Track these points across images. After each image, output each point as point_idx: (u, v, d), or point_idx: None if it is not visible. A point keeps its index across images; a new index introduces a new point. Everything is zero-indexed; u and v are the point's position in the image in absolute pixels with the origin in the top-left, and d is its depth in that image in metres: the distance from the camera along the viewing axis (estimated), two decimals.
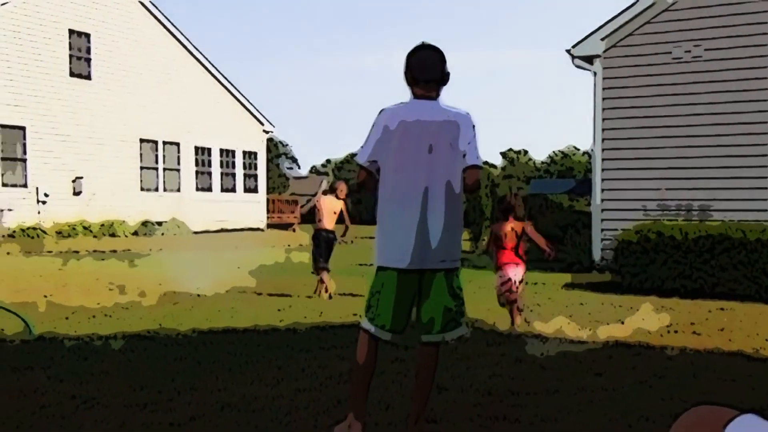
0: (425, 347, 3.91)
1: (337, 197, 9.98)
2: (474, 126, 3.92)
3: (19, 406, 4.39)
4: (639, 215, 12.85)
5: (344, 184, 10.38)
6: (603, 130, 13.81)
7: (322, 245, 9.78)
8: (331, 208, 9.89)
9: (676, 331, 7.32)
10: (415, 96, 3.93)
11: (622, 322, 7.79)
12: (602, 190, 13.88)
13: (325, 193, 10.27)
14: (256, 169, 31.13)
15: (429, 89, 3.91)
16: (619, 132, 13.68)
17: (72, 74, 24.19)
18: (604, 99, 13.78)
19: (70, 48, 24.16)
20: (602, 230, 13.80)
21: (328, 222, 9.84)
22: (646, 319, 8.02)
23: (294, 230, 32.04)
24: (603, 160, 13.85)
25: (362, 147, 3.94)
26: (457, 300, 3.91)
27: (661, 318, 8.10)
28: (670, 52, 13.17)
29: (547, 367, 5.65)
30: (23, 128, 22.76)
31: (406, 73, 3.96)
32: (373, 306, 3.88)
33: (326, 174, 79.64)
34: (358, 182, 4.04)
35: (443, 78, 3.94)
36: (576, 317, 8.13)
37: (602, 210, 13.88)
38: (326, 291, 9.73)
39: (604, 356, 6.08)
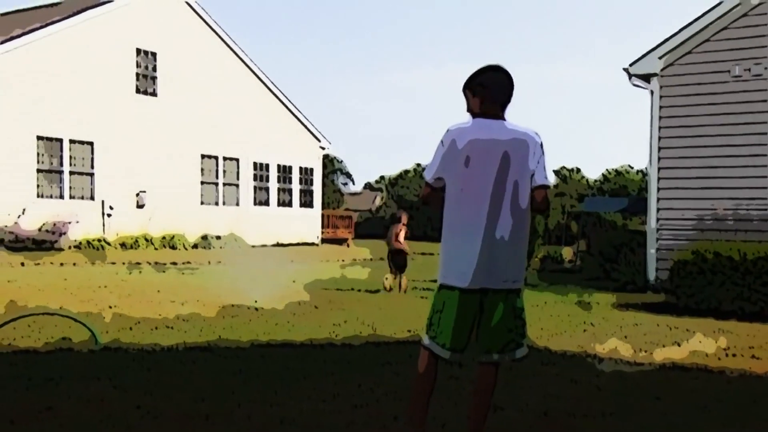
0: (485, 367, 3.93)
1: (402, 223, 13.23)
2: (542, 144, 3.94)
3: (86, 415, 4.55)
4: (695, 235, 12.67)
5: (405, 213, 13.59)
6: (659, 148, 13.67)
7: (393, 259, 13.07)
8: (396, 233, 13.10)
9: (734, 355, 7.21)
10: (483, 115, 3.95)
11: (679, 344, 7.71)
12: (658, 210, 13.72)
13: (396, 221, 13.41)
14: (311, 184, 31.53)
15: (497, 109, 3.96)
16: (676, 151, 13.52)
17: (138, 91, 24.93)
18: (661, 117, 13.65)
19: (137, 66, 24.93)
20: (657, 250, 13.63)
21: (397, 243, 13.05)
22: (703, 341, 7.92)
23: (348, 245, 32.26)
24: (659, 179, 13.70)
25: (429, 164, 3.98)
26: (519, 321, 3.92)
27: (719, 341, 7.98)
28: (729, 71, 12.99)
29: (602, 388, 5.62)
30: (91, 143, 23.55)
31: (475, 91, 3.98)
32: (434, 324, 3.90)
33: (380, 190, 79.89)
34: (423, 199, 4.06)
35: (510, 100, 4.01)
36: (631, 338, 8.06)
37: (657, 229, 13.71)
38: (400, 287, 12.79)
39: (661, 379, 6.03)
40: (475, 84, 3.99)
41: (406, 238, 13.23)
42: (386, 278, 12.80)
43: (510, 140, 3.87)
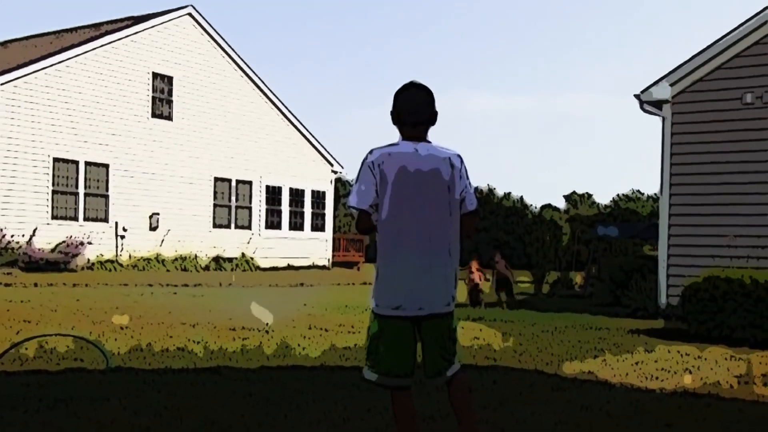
0: (450, 386, 3.89)
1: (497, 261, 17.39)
2: (466, 167, 3.89)
3: None
4: (707, 261, 12.63)
5: (498, 251, 18.71)
6: (671, 175, 13.68)
7: (499, 283, 17.25)
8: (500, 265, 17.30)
9: (747, 382, 7.15)
10: (404, 137, 3.87)
11: (690, 371, 7.66)
12: (669, 236, 13.70)
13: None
14: (323, 208, 31.67)
15: (418, 131, 3.86)
16: (688, 177, 13.54)
17: (154, 115, 25.23)
18: (672, 144, 13.68)
19: (153, 90, 25.25)
20: (669, 276, 13.59)
21: (504, 271, 17.28)
22: (715, 368, 7.87)
23: (358, 269, 32.27)
24: (671, 205, 13.70)
25: (354, 190, 3.80)
26: (451, 342, 3.88)
27: (731, 368, 7.93)
28: (741, 98, 13.03)
29: (613, 415, 5.58)
30: (107, 166, 23.81)
31: (392, 113, 3.90)
32: (372, 353, 3.84)
33: None
34: (364, 227, 3.88)
35: (431, 119, 3.89)
36: (642, 364, 8.02)
37: (669, 255, 13.68)
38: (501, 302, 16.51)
39: (672, 406, 5.97)
40: (394, 107, 3.89)
41: (506, 266, 17.40)
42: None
43: (437, 162, 3.79)
